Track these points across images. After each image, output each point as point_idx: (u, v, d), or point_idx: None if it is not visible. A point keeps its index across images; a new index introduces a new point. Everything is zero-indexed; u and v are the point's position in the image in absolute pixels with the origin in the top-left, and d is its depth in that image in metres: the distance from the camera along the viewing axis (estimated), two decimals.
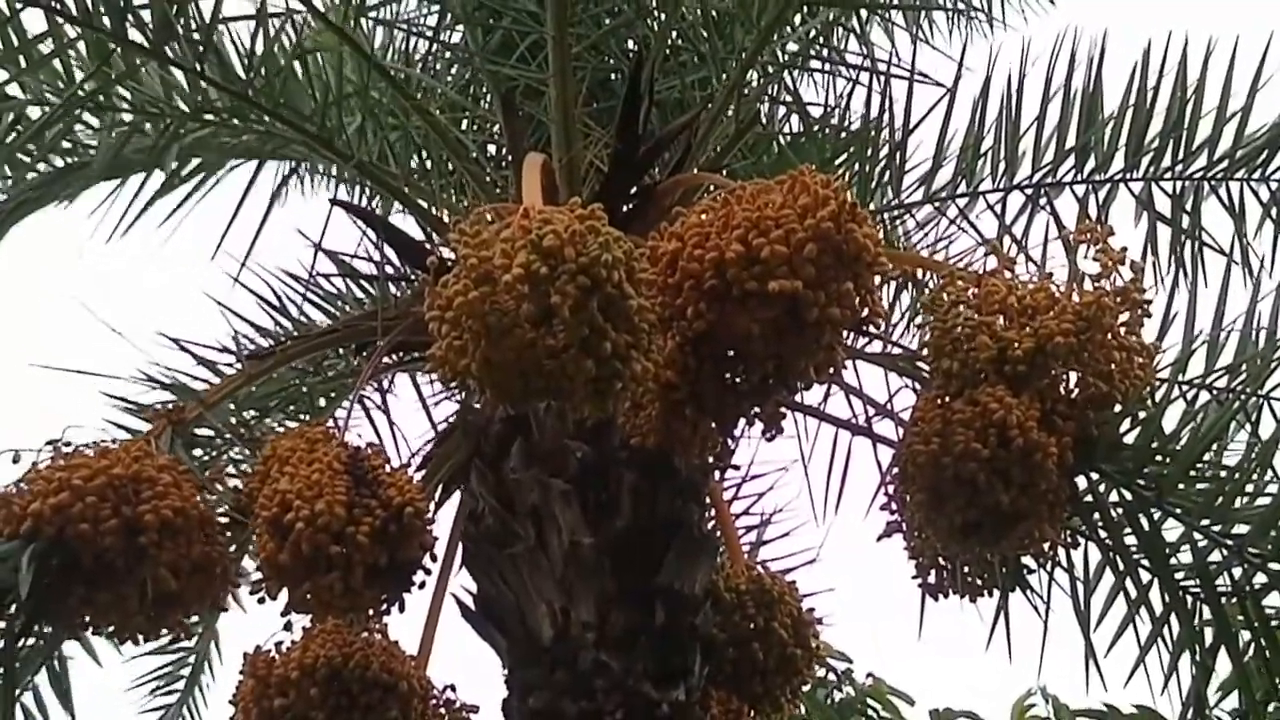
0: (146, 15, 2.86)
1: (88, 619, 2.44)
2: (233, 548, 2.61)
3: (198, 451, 3.04)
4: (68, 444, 2.55)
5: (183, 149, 3.34)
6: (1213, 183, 3.67)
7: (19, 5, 2.82)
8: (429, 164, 3.63)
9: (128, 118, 3.22)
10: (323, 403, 3.64)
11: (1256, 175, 3.67)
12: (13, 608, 2.29)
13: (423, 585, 2.56)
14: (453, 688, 2.89)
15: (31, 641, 2.64)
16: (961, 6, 4.51)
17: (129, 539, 2.32)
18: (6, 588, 2.25)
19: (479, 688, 2.94)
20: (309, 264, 3.70)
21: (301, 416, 3.63)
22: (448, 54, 3.94)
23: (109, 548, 2.31)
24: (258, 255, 3.51)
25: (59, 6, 2.83)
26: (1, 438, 2.48)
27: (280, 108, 3.17)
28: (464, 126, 3.80)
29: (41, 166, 3.46)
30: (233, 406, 3.27)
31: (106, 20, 2.85)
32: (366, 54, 3.23)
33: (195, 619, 2.64)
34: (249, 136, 3.37)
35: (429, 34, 3.91)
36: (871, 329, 2.46)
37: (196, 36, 2.94)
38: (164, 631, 2.59)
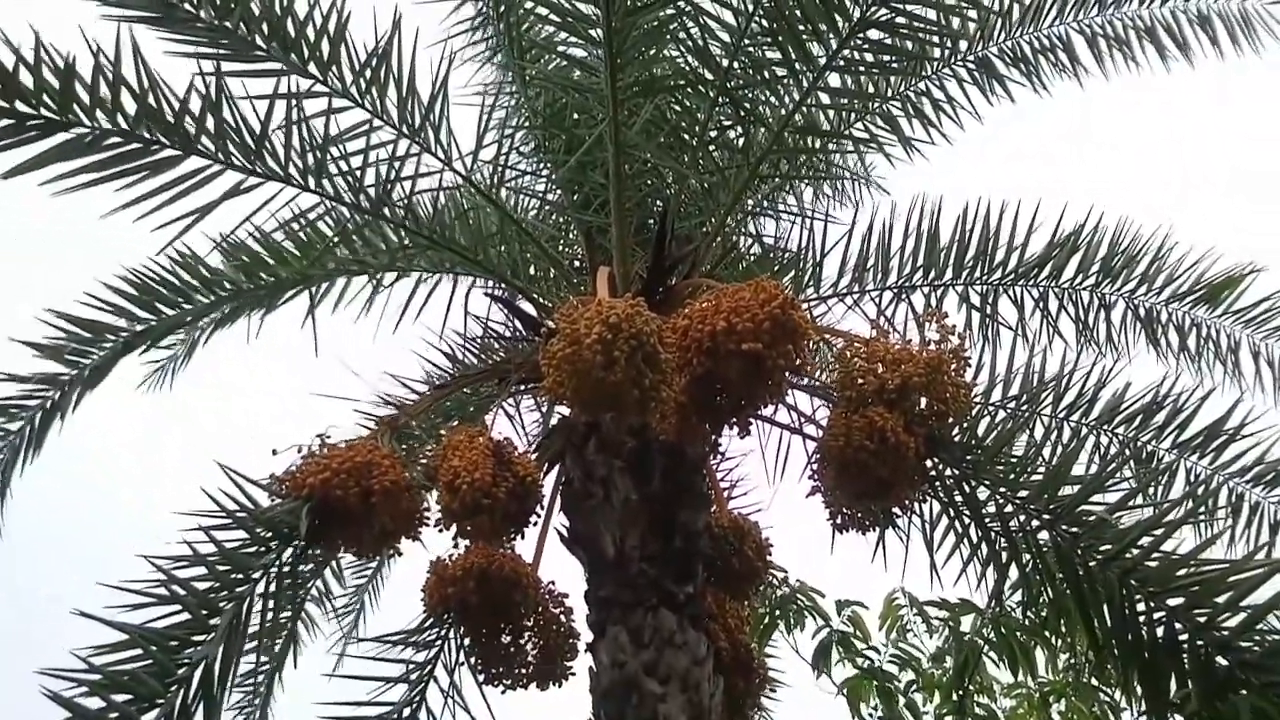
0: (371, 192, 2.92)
1: (341, 546, 2.48)
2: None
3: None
4: (328, 436, 2.58)
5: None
6: (1004, 287, 3.69)
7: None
8: (540, 272, 3.66)
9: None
10: (472, 410, 3.63)
11: (1030, 284, 3.68)
12: (296, 541, 2.31)
13: (536, 523, 2.58)
14: (553, 583, 2.88)
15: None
16: (852, 175, 4.49)
17: (364, 500, 2.34)
18: (293, 527, 2.28)
19: (569, 585, 2.95)
20: (470, 332, 3.74)
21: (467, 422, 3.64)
22: (548, 206, 3.96)
23: (353, 505, 2.33)
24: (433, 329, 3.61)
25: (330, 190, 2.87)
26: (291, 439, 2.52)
27: (450, 242, 3.22)
28: (561, 249, 3.83)
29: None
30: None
31: (346, 195, 2.90)
32: (507, 212, 3.27)
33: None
34: (431, 259, 3.45)
35: (540, 195, 3.94)
36: (802, 372, 2.47)
37: (401, 204, 3.00)
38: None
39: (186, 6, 2.62)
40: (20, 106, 2.34)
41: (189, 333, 3.76)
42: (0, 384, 3.29)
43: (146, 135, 2.48)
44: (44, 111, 2.36)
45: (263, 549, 2.26)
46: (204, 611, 2.06)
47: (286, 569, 2.26)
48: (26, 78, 2.31)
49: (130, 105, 2.43)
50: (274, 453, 2.43)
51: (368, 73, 2.85)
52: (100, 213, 2.49)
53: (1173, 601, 2.09)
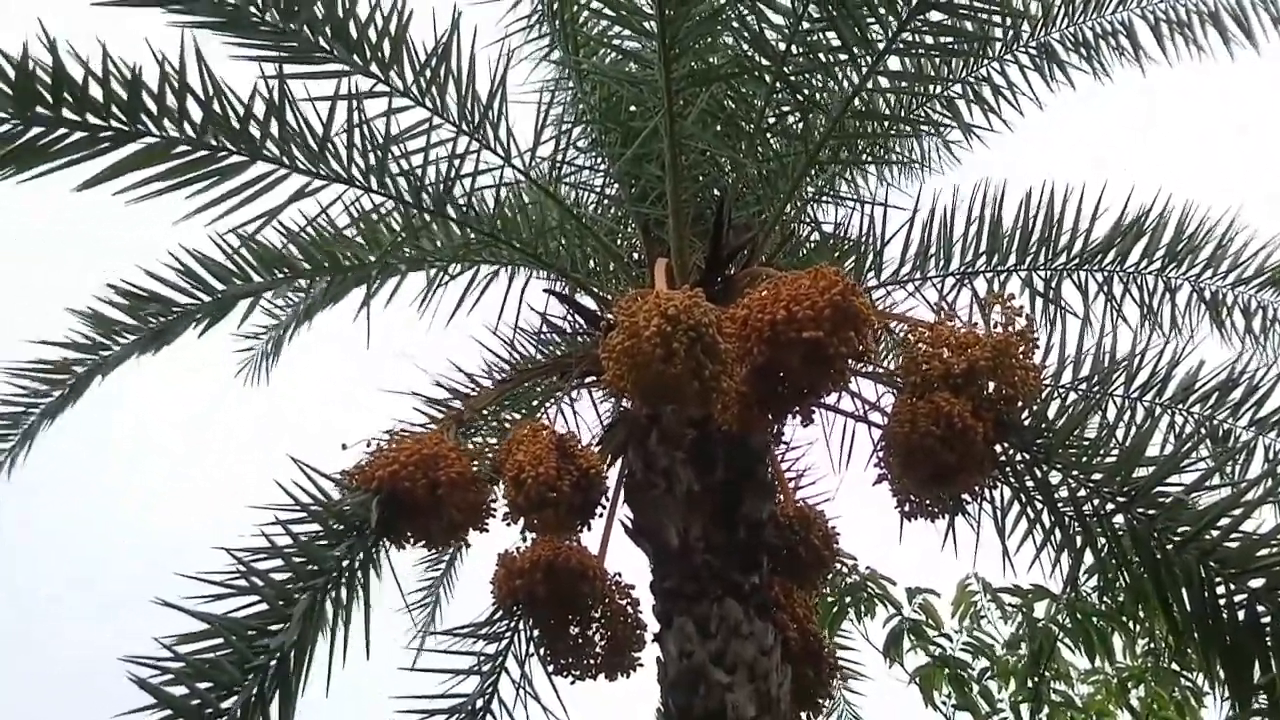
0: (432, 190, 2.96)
1: (409, 536, 2.46)
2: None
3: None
4: (394, 432, 2.61)
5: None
6: (1068, 272, 3.63)
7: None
8: (599, 265, 3.66)
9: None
10: (535, 404, 3.64)
11: (1095, 268, 3.63)
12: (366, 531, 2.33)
13: (601, 515, 2.57)
14: (620, 574, 2.87)
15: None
16: (913, 161, 4.43)
17: (432, 491, 2.35)
18: (364, 520, 2.31)
19: (635, 576, 2.95)
20: (531, 327, 3.75)
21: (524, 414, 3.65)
22: (606, 200, 3.95)
23: (420, 496, 2.34)
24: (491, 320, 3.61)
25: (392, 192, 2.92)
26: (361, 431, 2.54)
27: (511, 237, 3.24)
28: (619, 242, 3.83)
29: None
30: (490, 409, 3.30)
31: (408, 195, 2.94)
32: (566, 207, 3.28)
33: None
34: (493, 253, 3.47)
35: (597, 189, 3.93)
36: (865, 359, 2.43)
37: (462, 202, 3.03)
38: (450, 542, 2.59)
39: (252, 10, 2.68)
40: (91, 119, 2.40)
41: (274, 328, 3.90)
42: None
43: (213, 142, 2.54)
44: (113, 123, 2.43)
45: (335, 541, 2.29)
46: (281, 602, 2.10)
47: (359, 560, 2.29)
48: (96, 90, 2.38)
49: (196, 113, 2.49)
50: (343, 447, 2.46)
51: (428, 72, 2.90)
52: (101, 215, 2.54)
53: (1254, 583, 2.04)
